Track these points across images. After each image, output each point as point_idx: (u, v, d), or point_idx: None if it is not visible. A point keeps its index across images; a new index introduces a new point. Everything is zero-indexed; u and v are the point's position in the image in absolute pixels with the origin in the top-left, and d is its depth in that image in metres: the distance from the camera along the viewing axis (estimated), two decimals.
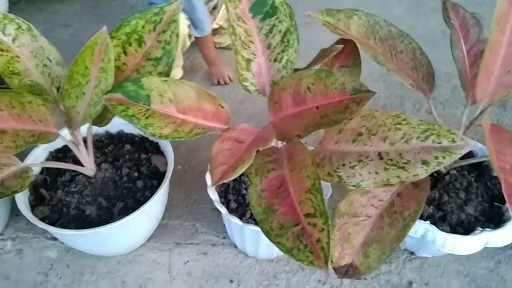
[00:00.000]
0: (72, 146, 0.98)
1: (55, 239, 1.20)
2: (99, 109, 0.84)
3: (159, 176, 1.09)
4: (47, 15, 2.26)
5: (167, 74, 0.86)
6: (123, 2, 2.38)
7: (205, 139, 1.50)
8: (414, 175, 0.70)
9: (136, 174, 1.08)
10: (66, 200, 1.02)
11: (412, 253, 1.17)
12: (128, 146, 1.15)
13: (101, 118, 0.91)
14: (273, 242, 0.72)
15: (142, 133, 1.20)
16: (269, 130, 0.87)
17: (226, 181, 0.75)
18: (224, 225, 1.22)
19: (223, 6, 1.77)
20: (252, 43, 0.91)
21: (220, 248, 1.19)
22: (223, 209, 0.98)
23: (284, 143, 0.90)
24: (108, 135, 1.20)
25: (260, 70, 0.93)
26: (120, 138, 1.19)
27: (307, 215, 0.72)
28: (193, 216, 1.27)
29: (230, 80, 1.73)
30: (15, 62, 0.90)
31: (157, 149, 1.17)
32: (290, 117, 0.87)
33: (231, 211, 1.01)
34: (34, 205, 1.02)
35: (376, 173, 0.74)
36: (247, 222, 0.98)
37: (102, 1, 2.38)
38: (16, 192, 0.82)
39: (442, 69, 1.70)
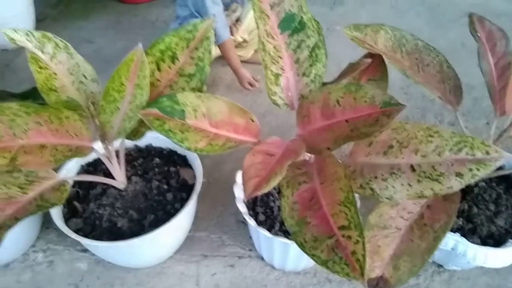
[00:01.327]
0: (105, 160, 1.01)
1: (85, 251, 1.23)
2: (133, 123, 0.87)
3: (187, 189, 1.11)
4: (71, 32, 2.33)
5: (200, 89, 0.88)
6: (144, 18, 2.44)
7: (227, 153, 1.52)
8: (448, 188, 0.71)
9: (165, 186, 1.10)
10: (98, 212, 1.04)
11: (440, 265, 1.16)
12: (157, 160, 1.17)
13: (135, 133, 0.93)
14: (308, 255, 0.73)
15: (170, 147, 1.23)
16: (299, 143, 0.88)
17: (259, 194, 0.76)
18: (250, 237, 1.23)
19: (246, 19, 1.81)
20: (281, 58, 0.93)
21: (247, 260, 1.20)
22: (252, 222, 0.99)
23: (313, 155, 0.91)
24: (137, 148, 1.23)
25: (288, 84, 0.95)
26: (149, 151, 1.22)
27: (341, 227, 0.73)
28: (219, 228, 1.28)
29: (257, 81, 1.75)
30: (53, 79, 0.93)
31: (185, 162, 1.19)
32: (319, 130, 0.88)
33: (259, 223, 1.02)
34: (67, 218, 1.04)
35: (409, 185, 0.75)
36: (276, 235, 0.99)
37: (124, 18, 2.45)
38: (55, 205, 0.84)
39: (463, 81, 1.68)
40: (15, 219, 0.80)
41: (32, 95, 1.10)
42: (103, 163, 1.17)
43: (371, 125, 0.79)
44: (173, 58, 0.88)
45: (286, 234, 1.00)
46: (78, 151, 0.89)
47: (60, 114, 0.87)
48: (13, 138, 0.81)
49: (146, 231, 1.00)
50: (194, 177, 1.14)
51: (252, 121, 0.90)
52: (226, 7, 1.65)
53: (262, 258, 1.19)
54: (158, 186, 1.10)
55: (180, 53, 0.88)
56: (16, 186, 0.85)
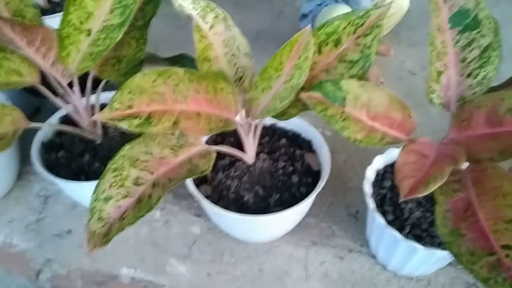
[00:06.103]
0: (242, 133, 1.02)
1: (198, 215, 1.28)
2: (286, 103, 0.87)
3: (312, 175, 1.10)
4: None
5: (361, 77, 0.85)
6: None
7: (340, 143, 1.48)
8: None
9: (291, 168, 1.10)
10: (226, 183, 1.07)
11: None
12: (283, 140, 1.17)
13: (283, 113, 0.93)
14: (466, 268, 0.69)
15: (294, 129, 1.22)
16: (456, 148, 0.83)
17: (418, 196, 0.73)
18: (361, 232, 1.20)
19: None
20: (446, 54, 0.88)
21: (357, 255, 1.17)
22: (381, 219, 0.96)
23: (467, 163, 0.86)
24: (263, 126, 1.23)
25: (449, 83, 0.89)
26: (274, 131, 1.22)
27: (505, 246, 0.68)
28: (329, 217, 1.27)
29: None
30: (209, 49, 0.95)
31: (310, 147, 1.18)
32: (479, 137, 0.83)
33: (387, 222, 0.99)
34: (197, 184, 1.08)
35: None
36: (406, 237, 0.95)
37: None
38: (204, 172, 0.87)
39: None
40: (169, 180, 0.84)
41: (179, 61, 1.14)
42: (231, 135, 1.20)
43: None
44: (337, 43, 0.86)
45: (416, 238, 0.96)
46: (227, 123, 0.91)
47: (217, 84, 0.89)
48: (175, 102, 0.84)
49: (271, 209, 1.01)
50: (318, 163, 1.13)
51: (410, 117, 0.86)
52: None
53: (373, 257, 1.16)
54: (284, 166, 1.10)
55: (345, 38, 0.85)
56: (168, 147, 0.89)
